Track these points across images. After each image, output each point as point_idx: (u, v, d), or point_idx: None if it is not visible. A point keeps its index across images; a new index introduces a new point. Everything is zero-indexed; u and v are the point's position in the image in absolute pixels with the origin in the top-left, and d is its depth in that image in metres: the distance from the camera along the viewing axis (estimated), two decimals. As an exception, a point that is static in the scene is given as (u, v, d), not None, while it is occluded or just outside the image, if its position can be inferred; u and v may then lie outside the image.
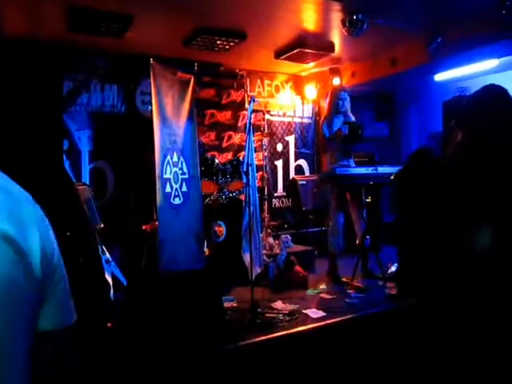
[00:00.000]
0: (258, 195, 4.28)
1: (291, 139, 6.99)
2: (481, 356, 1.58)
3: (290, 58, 5.68)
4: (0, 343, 0.61)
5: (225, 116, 6.33)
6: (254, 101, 4.18)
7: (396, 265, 4.67)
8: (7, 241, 0.63)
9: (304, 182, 6.34)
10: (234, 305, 3.91)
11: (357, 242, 4.94)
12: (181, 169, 4.39)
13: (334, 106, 5.06)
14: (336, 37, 5.12)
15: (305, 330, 3.36)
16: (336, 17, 4.42)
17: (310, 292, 4.39)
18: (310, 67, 6.40)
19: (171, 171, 4.27)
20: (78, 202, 3.67)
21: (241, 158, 5.46)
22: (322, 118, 5.32)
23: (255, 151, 4.72)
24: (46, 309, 0.72)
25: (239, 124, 6.44)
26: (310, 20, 4.62)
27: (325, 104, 5.50)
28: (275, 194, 6.79)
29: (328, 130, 4.99)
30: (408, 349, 3.20)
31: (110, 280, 3.79)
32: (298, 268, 4.66)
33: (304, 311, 3.73)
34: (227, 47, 5.18)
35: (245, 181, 3.95)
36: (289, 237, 5.13)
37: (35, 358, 0.68)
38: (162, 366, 2.75)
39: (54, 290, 0.73)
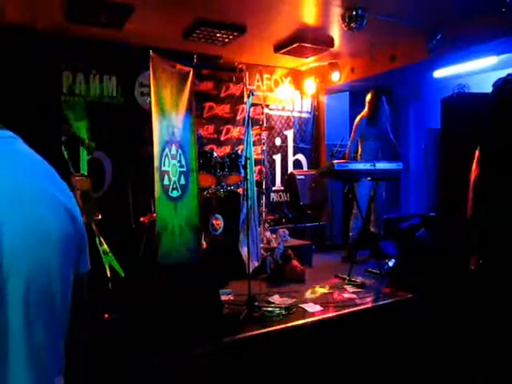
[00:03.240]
0: (255, 189, 4.28)
1: (290, 133, 6.99)
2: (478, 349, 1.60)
3: (289, 52, 5.67)
4: (60, 282, 0.83)
5: (223, 109, 6.32)
6: (252, 94, 4.17)
7: (393, 260, 4.70)
8: (66, 210, 0.87)
9: (302, 177, 6.34)
10: (231, 298, 3.91)
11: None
12: (179, 161, 4.39)
13: None
14: (335, 32, 5.12)
15: (301, 323, 3.37)
16: (336, 11, 4.42)
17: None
18: (309, 62, 6.39)
19: (170, 164, 4.27)
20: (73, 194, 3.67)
21: (239, 152, 5.45)
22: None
23: (254, 145, 4.71)
24: (82, 256, 0.93)
25: (238, 117, 6.43)
26: (309, 14, 4.61)
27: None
28: (273, 188, 6.80)
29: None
30: (404, 343, 3.23)
31: (107, 271, 3.80)
32: (295, 262, 4.67)
33: (301, 305, 3.74)
34: (227, 40, 5.16)
35: (243, 174, 3.94)
36: (286, 231, 5.15)
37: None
38: (160, 358, 2.76)
39: (85, 242, 0.95)
